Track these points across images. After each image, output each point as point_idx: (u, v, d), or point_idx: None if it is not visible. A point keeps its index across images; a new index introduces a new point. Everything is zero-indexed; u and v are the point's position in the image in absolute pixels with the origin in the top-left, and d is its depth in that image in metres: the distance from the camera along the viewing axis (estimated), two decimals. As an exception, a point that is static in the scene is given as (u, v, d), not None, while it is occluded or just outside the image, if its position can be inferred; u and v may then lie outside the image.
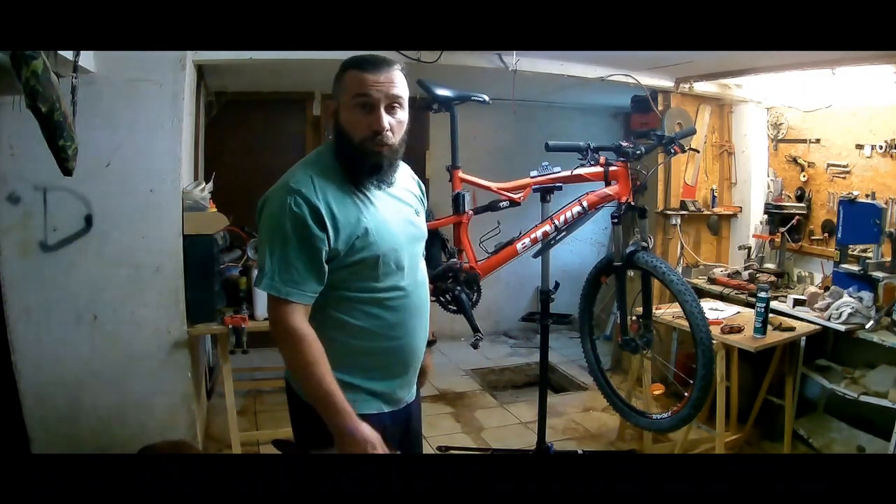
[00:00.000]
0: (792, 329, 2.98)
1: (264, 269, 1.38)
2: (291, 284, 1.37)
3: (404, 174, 1.62)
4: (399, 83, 1.41)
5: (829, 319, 3.01)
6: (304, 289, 1.38)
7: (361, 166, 1.42)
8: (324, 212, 1.37)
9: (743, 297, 3.50)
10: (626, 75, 3.63)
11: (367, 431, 1.37)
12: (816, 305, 3.15)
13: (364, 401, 1.50)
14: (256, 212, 1.44)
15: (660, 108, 4.00)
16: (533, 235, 2.47)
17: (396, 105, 1.42)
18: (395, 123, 1.42)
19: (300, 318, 1.39)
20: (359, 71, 1.39)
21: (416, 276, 1.56)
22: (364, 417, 1.43)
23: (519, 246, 2.47)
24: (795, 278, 3.78)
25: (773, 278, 3.62)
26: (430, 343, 1.75)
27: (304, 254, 1.37)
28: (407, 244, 1.52)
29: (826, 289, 3.25)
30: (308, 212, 1.36)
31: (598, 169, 2.39)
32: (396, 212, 1.52)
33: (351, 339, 1.48)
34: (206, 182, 3.03)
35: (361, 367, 1.50)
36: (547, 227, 2.46)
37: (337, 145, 1.45)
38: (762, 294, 2.82)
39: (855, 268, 3.19)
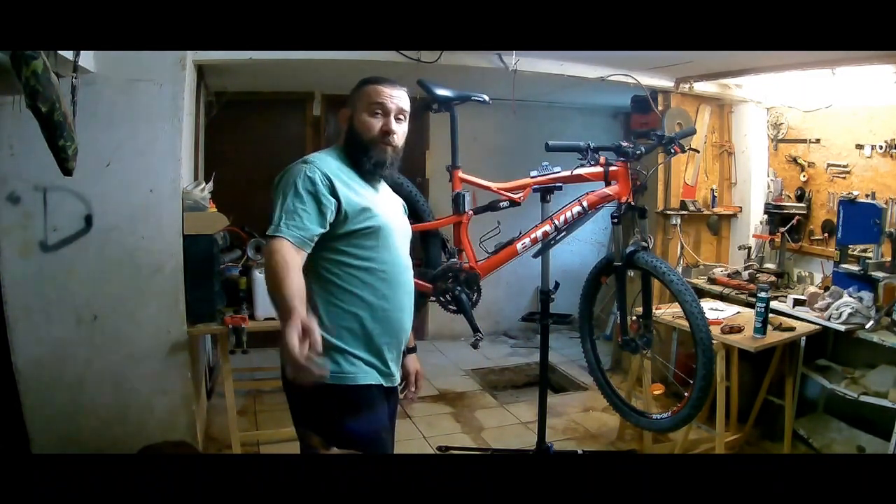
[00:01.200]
0: (792, 329, 2.98)
1: (273, 219, 1.54)
2: (293, 228, 1.52)
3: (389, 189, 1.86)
4: (406, 101, 1.71)
5: (829, 319, 3.01)
6: (304, 234, 1.53)
7: (369, 159, 1.67)
8: (334, 181, 1.58)
9: (743, 297, 3.49)
10: (626, 75, 3.63)
11: (306, 320, 1.38)
12: (816, 305, 3.15)
13: (363, 372, 1.65)
14: (273, 187, 1.62)
15: (660, 108, 4.00)
16: (533, 235, 2.47)
17: (402, 117, 1.71)
18: (400, 131, 1.71)
19: (292, 253, 1.51)
20: (377, 85, 1.68)
21: (405, 260, 1.75)
22: (365, 388, 1.63)
23: (519, 246, 2.47)
24: (795, 278, 3.78)
25: (773, 278, 3.62)
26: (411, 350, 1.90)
27: (309, 206, 1.54)
28: (399, 230, 1.73)
29: (826, 289, 3.25)
30: (320, 177, 1.57)
31: (598, 169, 2.39)
32: (390, 203, 1.77)
33: (349, 307, 1.63)
34: (206, 182, 3.03)
35: (358, 336, 1.64)
36: (547, 227, 2.46)
37: (349, 145, 1.70)
38: (762, 294, 2.82)
39: (855, 268, 3.18)
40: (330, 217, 1.57)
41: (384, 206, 1.70)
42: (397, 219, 1.75)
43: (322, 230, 1.56)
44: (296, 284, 1.45)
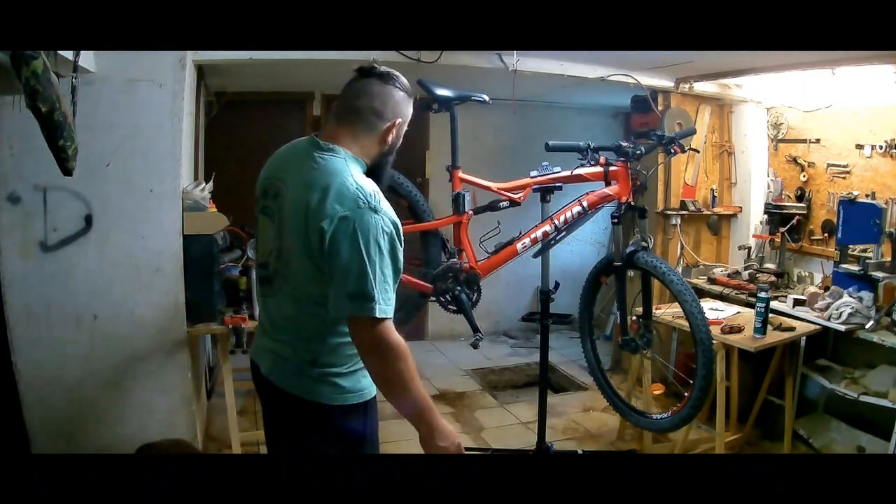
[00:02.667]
0: (792, 329, 2.98)
1: (370, 294, 1.36)
2: (390, 303, 1.41)
3: None
4: None
5: (829, 319, 3.01)
6: (393, 304, 1.42)
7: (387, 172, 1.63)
8: (399, 227, 1.45)
9: (743, 297, 3.49)
10: (626, 75, 3.63)
11: (451, 428, 1.49)
12: (816, 305, 3.15)
13: (371, 385, 1.57)
14: (325, 230, 1.37)
15: (660, 108, 4.00)
16: (533, 235, 2.47)
17: None
18: None
19: (396, 332, 1.42)
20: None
21: None
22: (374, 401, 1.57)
23: (519, 246, 2.47)
24: (795, 278, 3.78)
25: (773, 278, 3.62)
26: None
27: (394, 271, 1.43)
28: None
29: (826, 289, 3.25)
30: (394, 230, 1.42)
31: (598, 169, 2.39)
32: None
33: None
34: (206, 182, 3.03)
35: None
36: (547, 227, 2.46)
37: (381, 163, 1.59)
38: (762, 294, 2.82)
39: (855, 268, 3.18)
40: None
41: None
42: None
43: None
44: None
